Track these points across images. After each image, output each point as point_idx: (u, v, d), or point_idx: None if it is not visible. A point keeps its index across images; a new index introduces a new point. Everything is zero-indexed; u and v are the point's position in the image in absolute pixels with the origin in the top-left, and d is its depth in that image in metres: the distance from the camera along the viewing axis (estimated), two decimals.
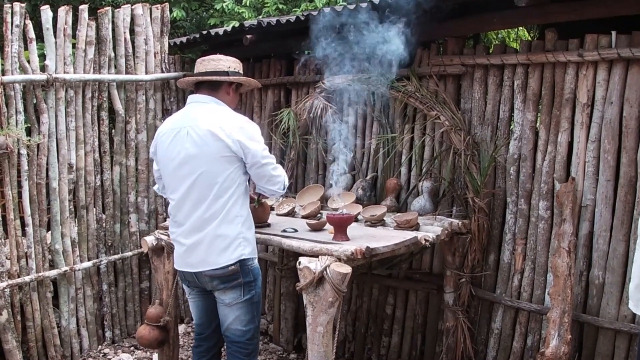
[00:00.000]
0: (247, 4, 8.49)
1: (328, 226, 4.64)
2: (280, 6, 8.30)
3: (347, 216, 4.33)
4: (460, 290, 5.09)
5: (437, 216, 4.97)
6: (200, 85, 4.17)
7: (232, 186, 3.97)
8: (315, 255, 4.02)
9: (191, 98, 4.17)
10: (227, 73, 4.14)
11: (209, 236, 3.98)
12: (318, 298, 3.81)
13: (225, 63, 4.17)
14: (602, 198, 4.46)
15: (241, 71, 4.27)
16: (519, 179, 4.90)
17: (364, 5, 4.95)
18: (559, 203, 4.57)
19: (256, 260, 4.16)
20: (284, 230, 4.56)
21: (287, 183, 4.29)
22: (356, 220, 4.96)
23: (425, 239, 4.42)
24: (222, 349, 4.58)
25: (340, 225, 4.28)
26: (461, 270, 5.05)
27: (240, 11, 8.42)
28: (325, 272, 3.76)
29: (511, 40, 9.80)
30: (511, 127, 5.00)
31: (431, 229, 4.70)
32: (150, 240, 4.85)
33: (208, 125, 3.91)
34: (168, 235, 4.76)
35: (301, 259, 3.91)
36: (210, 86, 4.13)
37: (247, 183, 4.16)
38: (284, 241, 4.39)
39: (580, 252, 4.58)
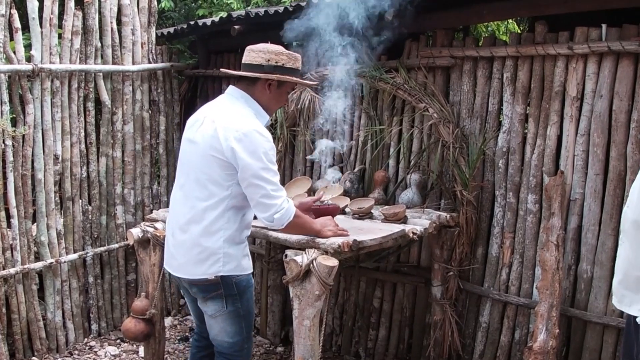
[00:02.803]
0: None
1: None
2: None
3: (332, 207, 4.29)
4: (448, 284, 5.08)
5: (425, 209, 4.96)
6: (242, 77, 3.80)
7: (221, 194, 3.66)
8: (302, 248, 3.97)
9: (228, 89, 3.86)
10: (262, 67, 3.71)
11: (189, 241, 3.74)
12: (304, 291, 3.78)
13: (265, 56, 3.72)
14: (591, 192, 4.46)
15: (292, 65, 3.80)
16: (507, 172, 4.88)
17: None
18: (548, 197, 4.56)
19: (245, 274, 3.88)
20: None
21: (281, 218, 3.67)
22: (344, 212, 4.94)
23: (413, 232, 4.40)
24: None
25: (326, 217, 4.25)
26: (449, 263, 5.04)
27: (228, 2, 8.37)
28: (311, 265, 3.72)
29: (501, 33, 9.78)
30: (500, 120, 4.98)
31: (419, 222, 4.68)
32: (136, 232, 4.80)
33: (216, 121, 3.63)
34: (154, 228, 4.73)
35: (288, 251, 3.88)
36: (248, 80, 3.77)
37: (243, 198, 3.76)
38: (270, 233, 4.33)
39: (569, 246, 4.58)
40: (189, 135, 3.83)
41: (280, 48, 3.79)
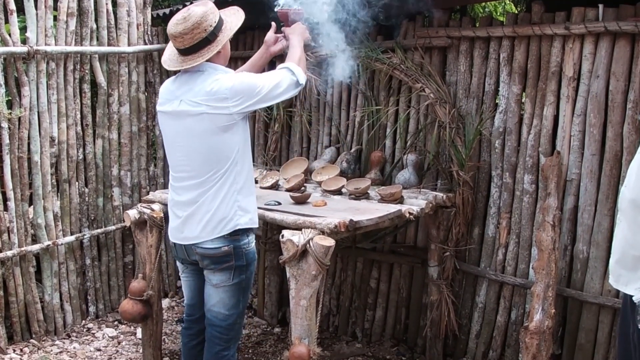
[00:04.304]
0: None
1: (312, 199, 4.63)
2: None
3: (299, 10, 4.22)
4: (444, 264, 5.10)
5: (422, 189, 4.96)
6: (191, 53, 3.71)
7: (230, 155, 3.74)
8: (298, 228, 3.98)
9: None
10: (208, 40, 3.65)
11: (202, 209, 3.79)
12: (301, 271, 3.79)
13: (200, 27, 3.62)
14: (588, 172, 4.46)
15: (217, 16, 3.71)
16: (504, 153, 4.89)
17: None
18: (544, 177, 4.56)
19: (253, 243, 3.96)
20: (268, 204, 4.53)
21: (298, 79, 3.83)
22: (340, 193, 4.95)
23: (409, 212, 4.40)
24: None
25: (292, 22, 4.21)
26: (445, 244, 5.05)
27: None
28: (308, 245, 3.73)
29: (498, 14, 9.77)
30: (497, 100, 4.98)
31: (415, 203, 4.68)
32: (132, 214, 4.80)
33: (200, 95, 3.66)
34: (151, 209, 4.73)
35: (284, 232, 3.88)
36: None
37: (247, 141, 3.89)
38: (267, 214, 4.35)
39: (565, 227, 4.58)
40: (170, 120, 3.85)
41: (198, 11, 3.65)
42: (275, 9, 4.25)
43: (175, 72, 3.91)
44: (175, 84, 3.87)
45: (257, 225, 3.98)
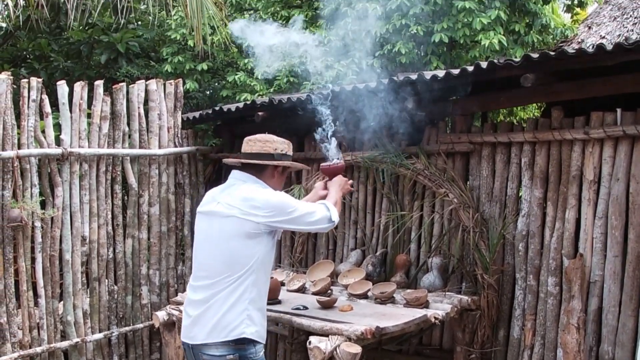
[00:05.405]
0: (259, 77, 8.62)
1: (338, 303, 4.68)
2: (291, 79, 8.40)
3: (340, 165, 4.37)
4: None
5: (447, 292, 4.99)
6: (246, 165, 3.97)
7: (249, 263, 3.77)
8: (325, 334, 4.03)
9: (233, 174, 4.01)
10: (272, 156, 3.93)
11: (211, 311, 3.80)
12: None
13: (272, 145, 3.95)
14: (611, 274, 4.49)
15: (290, 152, 4.05)
16: (527, 256, 4.93)
17: (373, 85, 5.06)
18: (568, 279, 4.59)
19: (261, 353, 3.90)
20: (295, 308, 4.59)
21: (332, 216, 3.96)
22: (366, 297, 5.00)
23: (435, 317, 4.44)
24: None
25: (334, 175, 4.34)
26: (471, 346, 5.04)
27: (252, 83, 8.53)
28: (335, 352, 3.77)
29: (518, 109, 9.91)
30: (519, 204, 5.05)
31: (441, 306, 4.71)
32: (161, 315, 4.87)
33: (235, 200, 3.79)
34: (179, 311, 4.80)
35: (311, 338, 3.92)
36: (256, 167, 3.95)
37: (269, 256, 3.94)
38: (294, 319, 4.41)
39: (590, 328, 4.59)
40: (203, 223, 3.98)
41: (278, 137, 4.02)
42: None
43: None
44: (218, 190, 4.02)
45: (263, 341, 3.92)
